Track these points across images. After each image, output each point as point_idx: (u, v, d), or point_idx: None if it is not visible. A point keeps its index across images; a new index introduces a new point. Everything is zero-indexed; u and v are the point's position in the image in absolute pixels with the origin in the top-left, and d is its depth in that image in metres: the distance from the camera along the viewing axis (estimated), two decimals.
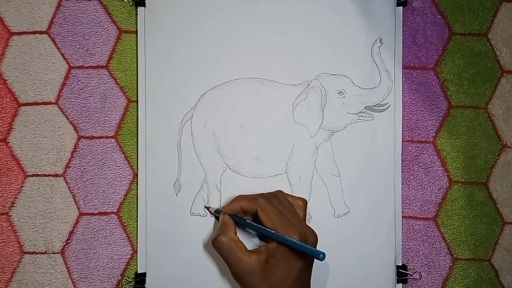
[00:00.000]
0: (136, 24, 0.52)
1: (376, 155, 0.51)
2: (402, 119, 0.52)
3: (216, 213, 0.49)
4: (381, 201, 0.51)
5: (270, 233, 0.43)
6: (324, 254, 0.40)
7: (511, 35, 0.52)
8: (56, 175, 0.52)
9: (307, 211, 0.51)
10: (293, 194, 0.49)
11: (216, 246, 0.45)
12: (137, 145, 0.51)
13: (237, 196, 0.48)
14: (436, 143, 0.52)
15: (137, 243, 0.51)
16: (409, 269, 0.51)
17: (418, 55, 0.52)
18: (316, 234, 0.44)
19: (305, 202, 0.47)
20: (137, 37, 0.52)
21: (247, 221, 0.47)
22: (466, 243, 0.52)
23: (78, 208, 0.51)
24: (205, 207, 0.51)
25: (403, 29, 0.52)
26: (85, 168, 0.52)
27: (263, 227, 0.44)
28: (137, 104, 0.51)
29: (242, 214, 0.47)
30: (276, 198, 0.46)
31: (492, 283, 0.51)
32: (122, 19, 0.52)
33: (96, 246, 0.51)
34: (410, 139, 0.52)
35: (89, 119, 0.52)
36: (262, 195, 0.46)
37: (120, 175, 0.52)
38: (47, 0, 0.52)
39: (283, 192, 0.48)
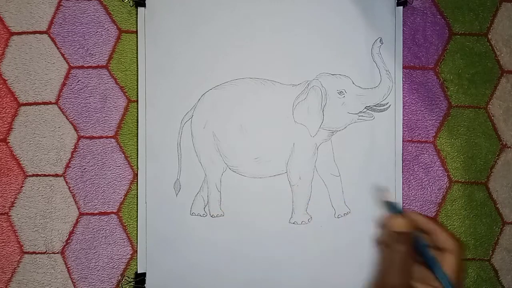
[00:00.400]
0: (136, 24, 0.52)
1: (376, 155, 0.51)
2: (402, 119, 0.52)
3: (391, 209, 0.42)
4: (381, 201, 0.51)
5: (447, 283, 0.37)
6: None
7: (511, 35, 0.52)
8: (56, 175, 0.52)
9: (307, 211, 0.51)
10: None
11: (390, 251, 0.39)
12: (137, 145, 0.51)
13: (433, 218, 0.41)
14: (436, 143, 0.52)
15: (137, 243, 0.51)
16: None
17: (418, 55, 0.52)
18: None
19: None
20: (137, 37, 0.52)
21: (429, 251, 0.39)
22: (466, 243, 0.52)
23: (78, 208, 0.51)
24: (382, 189, 0.45)
25: (403, 29, 0.52)
26: (85, 168, 0.52)
27: (445, 276, 0.37)
28: (137, 104, 0.51)
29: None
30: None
31: (492, 283, 0.51)
32: (122, 19, 0.52)
33: (96, 246, 0.51)
34: (410, 139, 0.52)
35: (89, 119, 0.52)
36: (460, 241, 0.39)
37: (120, 175, 0.52)
38: (47, 0, 0.52)
39: None
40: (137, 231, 0.51)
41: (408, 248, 0.39)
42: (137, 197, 0.51)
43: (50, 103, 0.52)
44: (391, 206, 0.42)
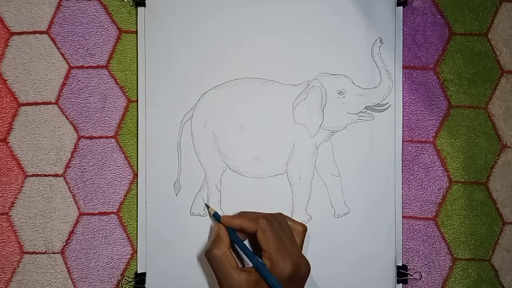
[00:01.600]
0: (136, 24, 0.52)
1: (376, 155, 0.51)
2: (402, 119, 0.52)
3: (215, 217, 0.49)
4: (381, 201, 0.51)
5: (253, 260, 0.44)
6: None
7: (511, 35, 0.52)
8: (56, 175, 0.52)
9: (307, 211, 0.51)
10: (293, 218, 0.49)
11: (209, 259, 0.45)
12: (137, 145, 0.51)
13: (239, 213, 0.49)
14: (436, 143, 0.52)
15: (137, 243, 0.51)
16: (409, 269, 0.51)
17: (418, 55, 0.52)
18: (309, 265, 0.45)
19: (304, 229, 0.47)
20: (137, 37, 0.52)
21: (239, 240, 0.46)
22: (466, 243, 0.52)
23: (78, 208, 0.51)
24: (206, 204, 0.51)
25: (403, 29, 0.52)
26: (85, 168, 0.52)
27: (249, 252, 0.45)
28: (137, 104, 0.51)
29: (239, 231, 0.47)
30: (277, 221, 0.46)
31: (492, 283, 0.51)
32: (122, 19, 0.52)
33: (96, 246, 0.51)
34: (410, 139, 0.52)
35: (89, 119, 0.52)
36: (264, 216, 0.46)
37: (120, 175, 0.52)
38: (47, 0, 0.52)
39: (283, 215, 0.48)
40: (137, 231, 0.51)
41: (223, 249, 0.45)
42: (137, 197, 0.51)
43: (50, 103, 0.52)
44: (216, 216, 0.49)
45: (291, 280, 0.43)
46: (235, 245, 0.47)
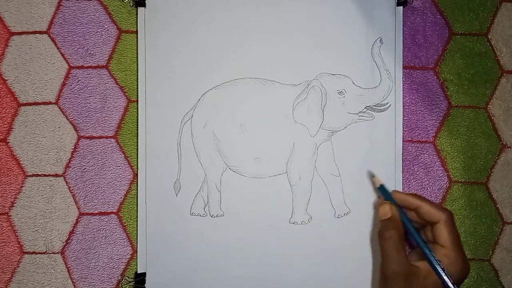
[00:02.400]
0: (136, 24, 0.52)
1: (376, 155, 0.51)
2: (402, 119, 0.52)
3: (380, 190, 0.47)
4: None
5: (428, 252, 0.41)
6: None
7: (511, 35, 0.52)
8: (56, 175, 0.52)
9: (307, 211, 0.51)
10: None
11: (384, 238, 0.42)
12: (137, 145, 0.51)
13: (415, 194, 0.45)
14: (436, 143, 0.52)
15: (137, 243, 0.51)
16: None
17: (418, 55, 0.52)
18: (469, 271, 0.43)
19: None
20: (137, 37, 0.52)
21: (411, 224, 0.43)
22: (466, 243, 0.52)
23: (78, 208, 0.51)
24: (372, 174, 0.49)
25: (403, 29, 0.52)
26: (85, 168, 0.52)
27: (423, 241, 0.42)
28: (137, 104, 0.51)
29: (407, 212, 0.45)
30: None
31: (492, 283, 0.51)
32: (122, 19, 0.52)
33: (96, 246, 0.51)
34: (410, 139, 0.52)
35: (89, 119, 0.52)
36: (447, 210, 0.43)
37: (120, 175, 0.52)
38: (47, 0, 0.52)
39: None
40: (137, 231, 0.51)
41: (398, 233, 0.42)
42: (137, 197, 0.51)
43: (50, 103, 0.52)
44: (382, 190, 0.47)
45: (457, 283, 0.41)
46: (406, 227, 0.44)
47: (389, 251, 0.42)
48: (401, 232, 0.43)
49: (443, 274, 0.40)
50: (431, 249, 0.42)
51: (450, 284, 0.40)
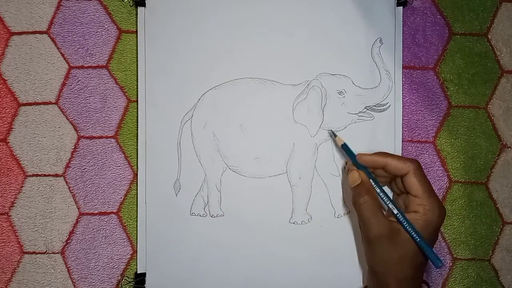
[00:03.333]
0: (136, 24, 0.52)
1: None
2: (402, 119, 0.52)
3: (345, 150, 0.48)
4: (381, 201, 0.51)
5: (397, 209, 0.42)
6: (443, 264, 0.40)
7: (511, 35, 0.52)
8: (56, 175, 0.52)
9: (307, 211, 0.51)
10: None
11: (360, 205, 0.43)
12: (137, 145, 0.51)
13: (380, 152, 0.46)
14: (436, 143, 0.52)
15: (137, 243, 0.51)
16: None
17: (418, 55, 0.52)
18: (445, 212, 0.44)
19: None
20: (137, 37, 0.52)
21: (379, 184, 0.44)
22: (466, 243, 0.52)
23: (78, 208, 0.51)
24: (332, 132, 0.49)
25: (403, 29, 0.52)
26: (85, 168, 0.52)
27: (390, 198, 0.43)
28: (137, 104, 0.51)
29: (372, 171, 0.45)
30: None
31: (492, 283, 0.51)
32: (122, 19, 0.52)
33: (96, 246, 0.51)
34: (410, 139, 0.52)
35: (89, 119, 0.52)
36: (413, 159, 0.44)
37: (120, 175, 0.52)
38: (47, 0, 0.52)
39: None
40: (137, 231, 0.51)
41: (371, 196, 0.43)
42: (137, 197, 0.51)
43: (50, 103, 0.52)
44: (345, 148, 0.47)
45: (436, 229, 0.42)
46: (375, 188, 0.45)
47: (367, 216, 0.43)
48: (374, 195, 0.44)
49: (408, 224, 0.42)
50: (402, 211, 0.43)
51: (414, 232, 0.41)
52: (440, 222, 0.42)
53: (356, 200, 0.44)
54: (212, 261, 0.50)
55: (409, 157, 0.45)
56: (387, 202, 0.44)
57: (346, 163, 0.50)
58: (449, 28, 0.53)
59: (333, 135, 0.50)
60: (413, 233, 0.42)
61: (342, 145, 0.48)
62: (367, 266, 0.46)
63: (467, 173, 0.52)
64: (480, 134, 0.52)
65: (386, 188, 0.48)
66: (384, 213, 0.44)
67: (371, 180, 0.45)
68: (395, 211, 0.43)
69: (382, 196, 0.45)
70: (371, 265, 0.45)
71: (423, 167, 0.52)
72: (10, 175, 0.52)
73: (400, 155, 0.46)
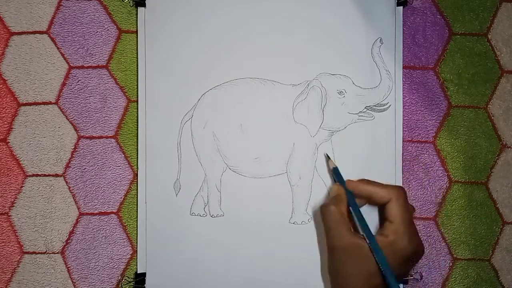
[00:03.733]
0: (136, 24, 0.52)
1: (376, 155, 0.51)
2: (402, 119, 0.52)
3: (334, 173, 0.48)
4: None
5: (367, 231, 0.42)
6: None
7: (511, 35, 0.52)
8: (56, 175, 0.52)
9: (307, 211, 0.51)
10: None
11: (324, 213, 0.44)
12: (137, 145, 0.51)
13: (364, 179, 0.46)
14: (436, 143, 0.52)
15: (137, 243, 0.51)
16: None
17: (418, 55, 0.52)
18: (424, 251, 0.44)
19: (414, 210, 0.46)
20: (137, 37, 0.52)
21: (357, 206, 0.45)
22: (466, 243, 0.52)
23: (78, 208, 0.51)
24: (327, 156, 0.50)
25: (403, 29, 0.52)
26: (85, 168, 0.52)
27: (365, 222, 0.43)
28: (137, 104, 0.51)
29: (360, 197, 0.46)
30: (406, 196, 0.44)
31: (492, 283, 0.51)
32: (122, 19, 0.52)
33: (96, 246, 0.51)
34: (410, 139, 0.52)
35: (89, 119, 0.52)
36: (400, 188, 0.44)
37: (120, 175, 0.52)
38: (47, 0, 0.52)
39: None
40: (137, 231, 0.51)
41: (338, 209, 0.44)
42: (137, 197, 0.51)
43: (50, 103, 0.52)
44: (336, 173, 0.48)
45: (407, 260, 0.42)
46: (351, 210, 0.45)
47: (328, 225, 0.44)
48: (342, 209, 0.44)
49: (376, 247, 0.41)
50: (373, 236, 0.43)
51: (381, 256, 0.41)
52: (410, 253, 0.42)
53: (324, 207, 0.45)
54: (212, 261, 0.50)
55: (393, 184, 0.45)
56: (362, 228, 0.44)
57: (334, 181, 0.50)
58: (449, 28, 0.53)
59: (327, 157, 0.50)
60: (376, 254, 0.41)
61: (333, 168, 0.49)
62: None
63: (467, 173, 0.52)
64: (480, 134, 0.52)
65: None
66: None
67: (350, 204, 0.46)
68: (361, 231, 0.43)
69: (358, 220, 0.45)
70: (329, 272, 0.46)
71: (423, 167, 0.52)
72: (10, 175, 0.52)
73: (385, 183, 0.45)
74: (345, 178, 0.49)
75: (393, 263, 0.41)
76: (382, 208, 0.45)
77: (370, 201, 0.46)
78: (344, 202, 0.45)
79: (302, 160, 0.51)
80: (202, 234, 0.51)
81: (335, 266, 0.44)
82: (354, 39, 0.52)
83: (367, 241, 0.42)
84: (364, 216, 0.44)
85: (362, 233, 0.43)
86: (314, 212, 0.51)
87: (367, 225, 0.43)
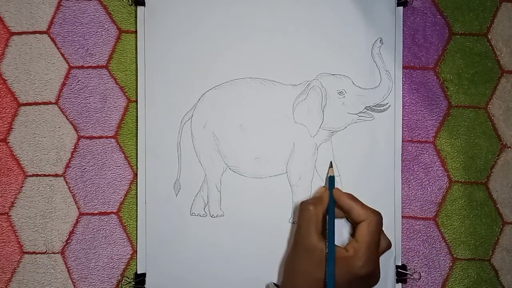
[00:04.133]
0: (136, 23, 0.52)
1: (376, 155, 0.51)
2: (402, 119, 0.52)
3: (329, 180, 0.49)
4: (381, 201, 0.51)
5: (331, 241, 0.44)
6: None
7: (511, 35, 0.52)
8: (56, 175, 0.52)
9: None
10: (384, 233, 0.46)
11: (301, 210, 0.45)
12: (137, 145, 0.51)
13: (352, 195, 0.47)
14: (436, 143, 0.52)
15: (137, 243, 0.51)
16: (409, 269, 0.51)
17: (418, 55, 0.52)
18: (378, 281, 0.44)
19: (388, 246, 0.46)
20: (136, 36, 0.52)
21: (333, 215, 0.46)
22: (466, 243, 0.52)
23: (78, 208, 0.51)
24: (331, 162, 0.50)
25: (403, 29, 0.52)
26: (85, 168, 0.52)
27: (333, 232, 0.44)
28: (137, 104, 0.51)
29: (338, 207, 0.47)
30: (381, 227, 0.45)
31: (492, 283, 0.51)
32: (122, 19, 0.52)
33: (96, 246, 0.51)
34: (410, 139, 0.52)
35: (89, 119, 0.52)
36: (378, 214, 0.45)
37: (120, 175, 0.52)
38: (47, 0, 0.52)
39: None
40: (137, 231, 0.51)
41: (316, 210, 0.45)
42: (137, 197, 0.51)
43: (50, 103, 0.52)
44: (330, 180, 0.49)
45: (358, 280, 0.42)
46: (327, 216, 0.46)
47: (301, 222, 0.45)
48: (319, 211, 0.45)
49: (331, 257, 0.42)
50: (333, 246, 0.44)
51: (330, 268, 0.42)
52: (362, 275, 0.42)
53: (303, 204, 0.46)
54: (212, 261, 0.50)
55: (374, 209, 0.46)
56: (328, 228, 0.45)
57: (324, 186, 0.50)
58: (449, 28, 0.53)
59: (330, 165, 0.51)
60: (328, 262, 0.42)
61: (330, 176, 0.49)
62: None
63: (467, 173, 0.52)
64: (480, 134, 0.52)
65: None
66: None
67: (328, 210, 0.46)
68: (329, 241, 0.44)
69: (331, 226, 0.45)
70: (285, 264, 0.47)
71: (423, 167, 0.52)
72: (10, 175, 0.52)
73: (367, 206, 0.46)
74: (344, 178, 0.49)
75: (341, 278, 0.42)
76: (355, 227, 0.46)
77: (349, 215, 0.47)
78: (324, 206, 0.46)
79: (302, 160, 0.51)
80: (202, 234, 0.51)
81: (292, 261, 0.46)
82: (354, 39, 0.52)
83: (326, 248, 0.43)
84: (341, 227, 0.47)
85: (328, 243, 0.44)
86: None
87: (333, 234, 0.44)
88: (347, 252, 0.43)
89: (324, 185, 0.51)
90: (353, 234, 0.47)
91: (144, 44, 0.52)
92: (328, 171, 0.50)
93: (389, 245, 0.46)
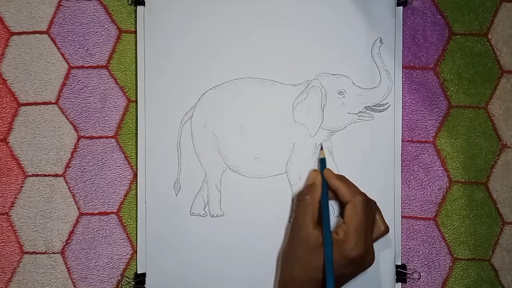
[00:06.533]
0: (135, 23, 0.52)
1: (376, 155, 0.51)
2: (402, 119, 0.52)
3: (320, 162, 0.49)
4: (381, 201, 0.51)
5: (327, 225, 0.44)
6: None
7: (511, 35, 0.52)
8: (56, 175, 0.52)
9: None
10: (382, 216, 0.47)
11: (298, 201, 0.46)
12: (137, 145, 0.51)
13: (342, 176, 0.47)
14: (436, 143, 0.52)
15: (137, 243, 0.51)
16: (409, 268, 0.51)
17: (418, 55, 0.52)
18: (374, 260, 0.44)
19: (386, 230, 0.46)
20: (136, 36, 0.52)
21: (327, 198, 0.46)
22: (466, 243, 0.52)
23: (78, 208, 0.51)
24: (321, 145, 0.50)
25: (403, 29, 0.52)
26: (85, 168, 0.52)
27: (328, 216, 0.44)
28: (137, 104, 0.51)
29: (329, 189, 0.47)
30: (370, 208, 0.45)
31: (492, 283, 0.51)
32: (122, 19, 0.52)
33: (96, 246, 0.51)
34: (410, 139, 0.52)
35: (89, 119, 0.52)
36: (363, 194, 0.45)
37: (120, 175, 0.52)
38: (47, 0, 0.52)
39: (376, 206, 0.47)
40: (137, 231, 0.51)
41: (312, 199, 0.46)
42: (137, 197, 0.51)
43: (50, 103, 0.52)
44: (322, 163, 0.49)
45: (351, 263, 0.42)
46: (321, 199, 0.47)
47: (297, 213, 0.46)
48: (315, 199, 0.46)
49: (327, 241, 0.43)
50: (329, 231, 0.44)
51: (328, 252, 0.42)
52: (355, 257, 0.42)
53: (300, 195, 0.46)
54: (212, 261, 0.50)
55: (360, 190, 0.46)
56: (325, 216, 0.45)
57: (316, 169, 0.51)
58: (449, 28, 0.53)
59: (320, 147, 0.51)
60: (325, 249, 0.42)
61: (321, 158, 0.49)
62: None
63: (467, 173, 0.52)
64: (480, 134, 0.52)
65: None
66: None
67: (322, 195, 0.46)
68: (325, 225, 0.44)
69: (324, 208, 0.45)
70: (283, 253, 0.47)
71: (423, 167, 0.52)
72: (10, 175, 0.52)
73: (355, 186, 0.47)
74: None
75: (336, 262, 0.42)
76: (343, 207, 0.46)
77: (336, 196, 0.47)
78: (318, 192, 0.46)
79: (302, 160, 0.51)
80: (202, 234, 0.51)
81: (289, 251, 0.46)
82: (354, 39, 0.52)
83: (323, 234, 0.43)
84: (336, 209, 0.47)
85: (323, 227, 0.44)
86: None
87: (328, 220, 0.45)
88: (338, 236, 0.43)
89: (315, 167, 0.51)
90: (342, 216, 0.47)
91: (144, 44, 0.52)
92: (319, 153, 0.50)
93: (386, 230, 0.46)
